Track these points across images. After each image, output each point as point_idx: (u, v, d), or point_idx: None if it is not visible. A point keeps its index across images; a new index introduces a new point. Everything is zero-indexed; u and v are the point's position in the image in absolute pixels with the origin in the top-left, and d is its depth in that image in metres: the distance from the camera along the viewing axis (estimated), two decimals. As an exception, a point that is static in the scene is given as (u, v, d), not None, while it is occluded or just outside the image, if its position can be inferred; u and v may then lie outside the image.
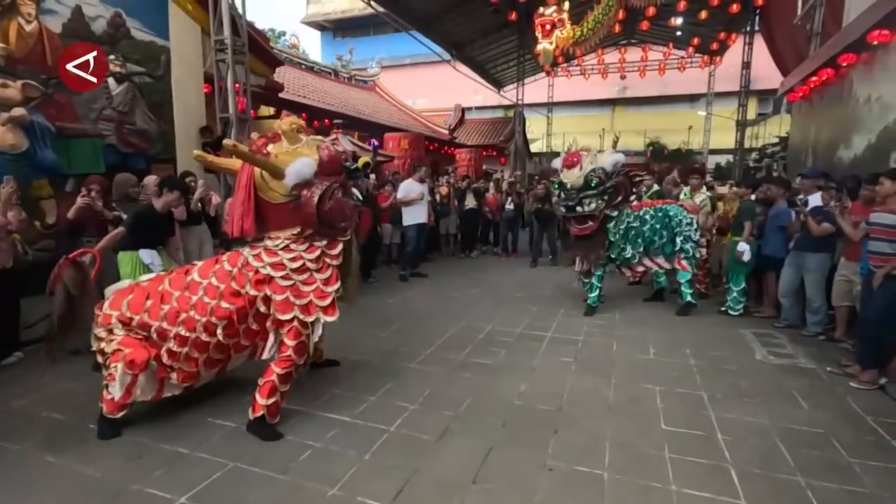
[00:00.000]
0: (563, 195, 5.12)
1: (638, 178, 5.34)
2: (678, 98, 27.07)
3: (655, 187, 7.03)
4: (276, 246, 2.87)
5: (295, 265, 2.85)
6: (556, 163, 5.34)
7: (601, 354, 4.28)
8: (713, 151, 22.39)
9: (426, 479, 2.48)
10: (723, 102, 22.14)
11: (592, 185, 4.89)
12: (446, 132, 19.63)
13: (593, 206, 4.90)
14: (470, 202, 9.24)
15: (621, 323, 5.19)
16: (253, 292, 2.85)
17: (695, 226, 5.49)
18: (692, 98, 26.22)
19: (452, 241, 9.80)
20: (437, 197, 9.07)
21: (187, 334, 2.81)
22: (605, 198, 4.95)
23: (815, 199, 4.79)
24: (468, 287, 6.87)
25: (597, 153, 5.12)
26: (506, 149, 19.47)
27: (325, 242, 2.91)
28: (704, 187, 6.37)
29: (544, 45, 8.25)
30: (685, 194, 6.43)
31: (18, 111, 4.21)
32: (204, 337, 2.82)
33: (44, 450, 2.73)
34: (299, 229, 2.84)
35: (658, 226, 5.41)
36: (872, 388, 3.51)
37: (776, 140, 18.34)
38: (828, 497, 2.35)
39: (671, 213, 5.49)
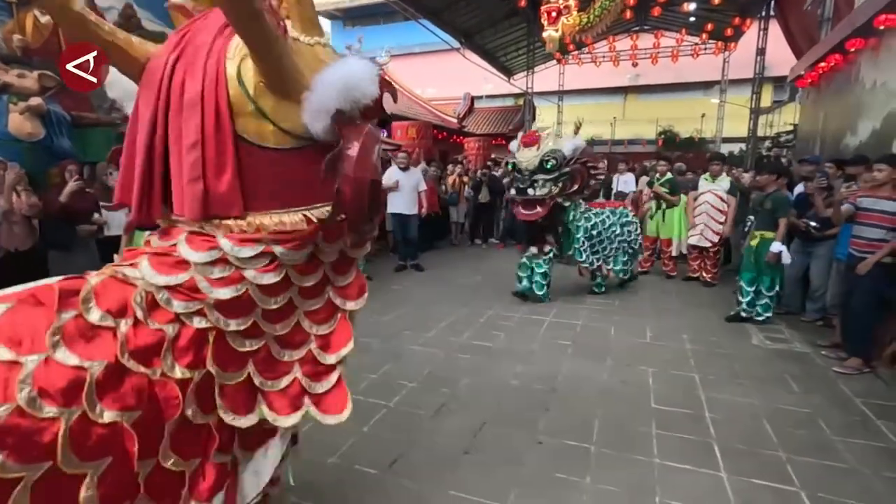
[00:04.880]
0: (516, 176, 4.90)
1: (595, 171, 5.04)
2: (692, 85, 26.67)
3: (668, 175, 6.97)
4: (246, 246, 1.25)
5: (267, 287, 1.30)
6: (514, 145, 5.13)
7: (598, 339, 4.36)
8: (726, 140, 22.05)
9: (421, 449, 2.60)
10: (738, 90, 21.77)
11: (548, 166, 4.66)
12: (455, 121, 19.62)
13: (545, 190, 4.67)
14: (484, 196, 9.15)
15: (620, 309, 5.26)
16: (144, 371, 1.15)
17: (639, 231, 5.78)
18: (706, 85, 25.82)
19: (460, 229, 9.86)
20: (445, 187, 9.13)
21: None
22: (559, 184, 4.73)
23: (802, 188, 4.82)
24: (472, 275, 6.97)
25: (557, 135, 4.98)
26: (515, 137, 19.38)
27: (331, 260, 1.45)
28: (725, 173, 6.26)
29: (549, 33, 8.23)
30: (705, 179, 6.37)
31: (35, 100, 4.36)
32: None
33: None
34: (322, 211, 1.33)
35: (615, 229, 5.45)
36: (855, 373, 3.56)
37: (790, 128, 18.03)
38: (807, 471, 2.43)
39: (628, 218, 5.67)
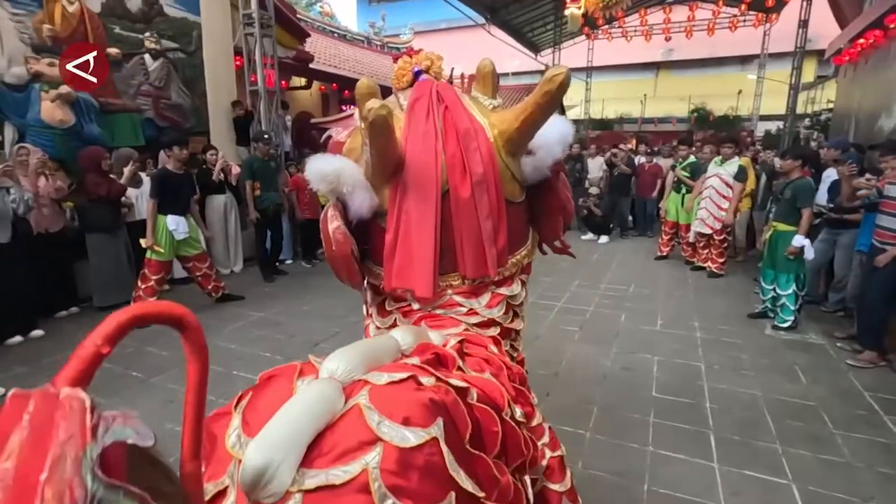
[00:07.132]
0: None
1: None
2: (728, 60, 25.49)
3: (692, 158, 6.75)
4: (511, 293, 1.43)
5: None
6: None
7: (607, 325, 4.37)
8: (763, 118, 21.11)
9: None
10: (778, 64, 20.67)
11: None
12: (479, 100, 19.33)
13: None
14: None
15: (634, 295, 5.23)
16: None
17: None
18: (744, 60, 24.62)
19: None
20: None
21: None
22: None
23: (832, 174, 4.61)
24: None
25: None
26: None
27: None
28: (737, 157, 6.02)
29: (571, 10, 8.00)
30: (716, 162, 6.16)
31: (65, 88, 4.57)
32: None
33: (93, 392, 3.13)
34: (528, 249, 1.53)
35: None
36: (870, 367, 3.48)
37: (831, 106, 17.12)
38: (800, 464, 2.44)
39: None
